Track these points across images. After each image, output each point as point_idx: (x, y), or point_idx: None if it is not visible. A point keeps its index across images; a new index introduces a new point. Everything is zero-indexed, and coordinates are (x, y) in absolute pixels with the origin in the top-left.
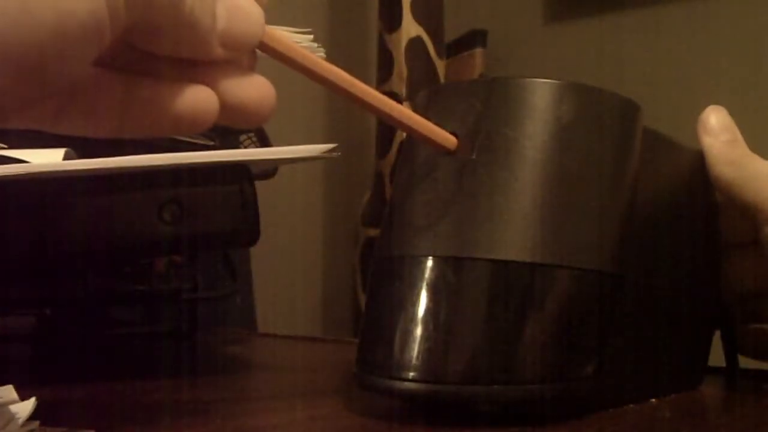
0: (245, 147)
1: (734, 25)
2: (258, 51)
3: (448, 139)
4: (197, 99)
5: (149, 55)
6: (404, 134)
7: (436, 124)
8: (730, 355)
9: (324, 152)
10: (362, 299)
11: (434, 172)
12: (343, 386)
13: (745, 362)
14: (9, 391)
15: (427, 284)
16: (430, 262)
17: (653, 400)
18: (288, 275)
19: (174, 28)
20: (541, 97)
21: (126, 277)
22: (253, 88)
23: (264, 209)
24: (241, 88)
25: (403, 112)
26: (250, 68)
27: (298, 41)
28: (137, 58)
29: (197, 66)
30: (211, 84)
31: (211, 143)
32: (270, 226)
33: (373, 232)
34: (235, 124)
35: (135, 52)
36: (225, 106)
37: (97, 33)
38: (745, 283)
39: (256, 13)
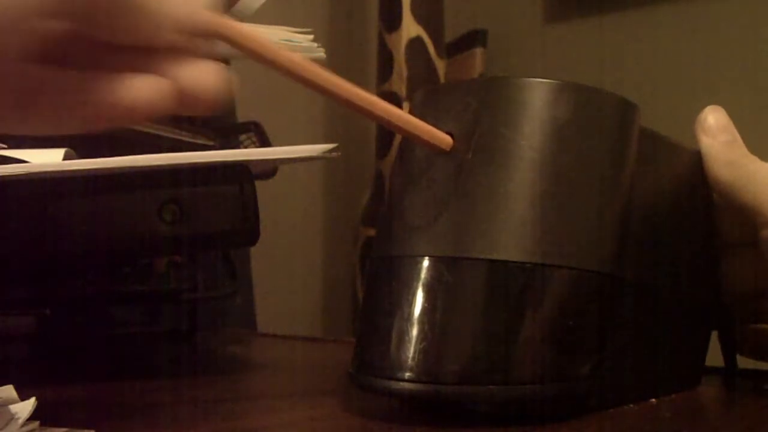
0: (245, 147)
1: (734, 25)
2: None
3: (442, 139)
4: (147, 87)
5: (100, 48)
6: None
7: (433, 123)
8: (729, 355)
9: (324, 152)
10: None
11: (430, 171)
12: (342, 386)
13: (744, 362)
14: (9, 391)
15: (423, 284)
16: (426, 262)
17: (653, 400)
18: (288, 275)
19: (119, 12)
20: (537, 97)
21: (126, 277)
22: (205, 74)
23: (264, 209)
24: (193, 74)
25: (391, 110)
26: (204, 55)
27: (298, 41)
28: (88, 53)
29: (149, 55)
30: (162, 72)
31: (211, 143)
32: (270, 226)
33: (373, 232)
34: (190, 112)
35: (85, 46)
36: (178, 93)
37: (24, 18)
38: (744, 283)
39: None
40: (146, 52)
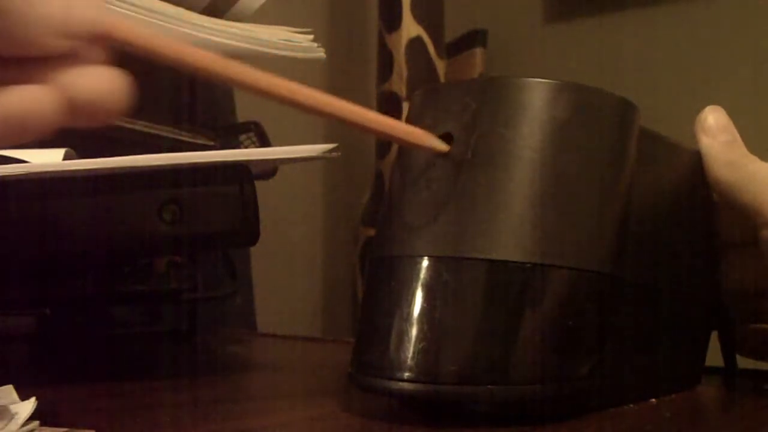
0: (245, 147)
1: (734, 26)
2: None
3: (438, 145)
4: (34, 99)
5: None
6: None
7: (432, 123)
8: (729, 355)
9: (324, 152)
10: None
11: (430, 171)
12: (342, 386)
13: (744, 362)
14: (9, 391)
15: (422, 284)
16: (425, 262)
17: (653, 400)
18: (288, 275)
19: None
20: (536, 97)
21: (126, 277)
22: (99, 81)
23: (264, 209)
24: (85, 82)
25: (342, 107)
26: (99, 61)
27: (298, 41)
28: None
29: (36, 65)
30: (52, 82)
31: (211, 143)
32: (270, 226)
33: (373, 232)
34: (87, 122)
35: None
36: (70, 103)
37: None
38: (744, 283)
39: None
40: (32, 62)
